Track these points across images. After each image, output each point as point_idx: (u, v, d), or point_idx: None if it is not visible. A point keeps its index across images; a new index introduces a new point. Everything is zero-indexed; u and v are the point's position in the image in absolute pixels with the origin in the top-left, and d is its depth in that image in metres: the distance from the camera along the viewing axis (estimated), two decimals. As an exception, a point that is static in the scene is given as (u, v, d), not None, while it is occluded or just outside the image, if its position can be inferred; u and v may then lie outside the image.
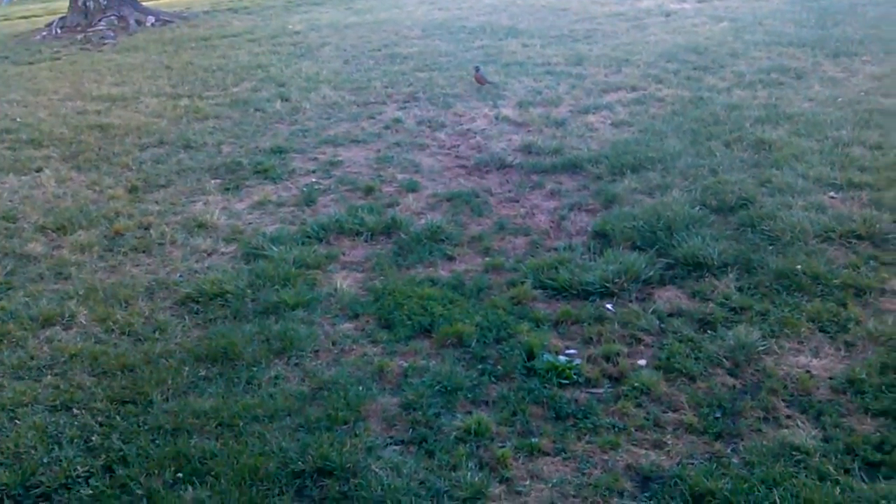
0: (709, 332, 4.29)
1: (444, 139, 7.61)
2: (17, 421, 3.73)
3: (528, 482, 3.26)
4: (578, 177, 6.50)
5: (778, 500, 3.10)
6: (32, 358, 4.25)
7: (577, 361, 4.06)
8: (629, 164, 6.50)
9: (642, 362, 4.07)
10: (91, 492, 3.27)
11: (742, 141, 6.92)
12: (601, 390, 3.87)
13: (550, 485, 3.24)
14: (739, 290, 4.65)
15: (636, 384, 3.86)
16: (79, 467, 3.40)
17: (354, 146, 7.50)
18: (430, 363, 4.09)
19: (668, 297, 4.64)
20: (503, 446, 3.47)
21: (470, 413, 3.69)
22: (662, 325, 4.37)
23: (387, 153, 7.23)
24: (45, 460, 3.46)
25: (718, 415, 3.67)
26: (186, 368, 4.07)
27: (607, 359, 4.09)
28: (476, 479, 3.25)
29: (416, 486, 3.20)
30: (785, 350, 4.13)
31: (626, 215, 5.57)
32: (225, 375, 4.01)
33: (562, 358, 4.06)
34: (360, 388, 3.87)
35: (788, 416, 3.66)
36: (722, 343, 4.16)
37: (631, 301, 4.60)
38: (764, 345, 4.15)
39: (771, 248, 5.06)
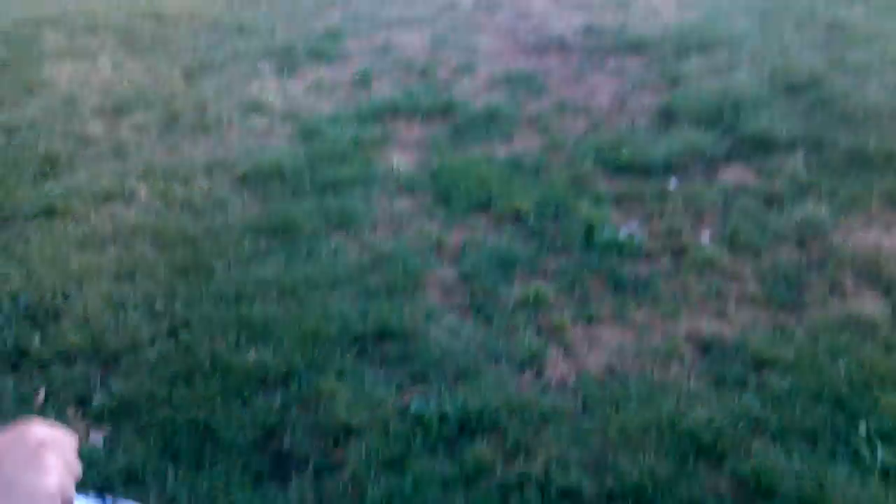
0: (775, 208, 4.17)
1: (501, 21, 7.40)
2: (83, 289, 3.81)
3: (586, 347, 3.25)
4: (642, 57, 6.28)
5: (842, 369, 3.05)
6: (96, 231, 4.32)
7: (639, 236, 3.99)
8: (695, 45, 6.25)
9: (705, 237, 3.99)
10: (157, 354, 3.34)
11: (815, 21, 6.60)
12: (663, 263, 3.81)
13: (608, 350, 3.23)
14: (808, 167, 4.50)
15: (699, 258, 3.79)
16: (144, 331, 3.47)
17: (409, 29, 7.33)
18: (488, 237, 4.06)
19: (734, 174, 4.51)
20: (561, 314, 3.45)
21: (528, 283, 3.67)
22: (727, 202, 4.26)
23: (442, 36, 7.06)
24: (111, 325, 3.53)
25: (783, 287, 3.60)
26: (247, 241, 4.10)
27: (669, 234, 4.01)
28: (534, 343, 3.24)
29: (474, 349, 3.21)
30: (854, 227, 4.00)
31: (691, 94, 5.40)
32: (285, 247, 4.03)
33: (622, 232, 4.00)
34: (419, 259, 3.87)
35: (856, 290, 3.56)
36: (788, 219, 4.05)
37: (695, 178, 4.48)
38: (832, 221, 4.02)
39: (842, 126, 4.86)
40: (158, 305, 3.64)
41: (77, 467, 1.13)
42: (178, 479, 2.62)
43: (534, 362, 3.14)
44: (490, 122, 5.30)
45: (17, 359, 3.30)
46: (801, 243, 3.89)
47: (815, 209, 4.09)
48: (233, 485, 2.58)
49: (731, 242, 3.90)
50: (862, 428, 2.73)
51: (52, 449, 1.09)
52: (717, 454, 2.64)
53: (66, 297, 3.73)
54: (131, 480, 2.65)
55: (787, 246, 3.88)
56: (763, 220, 4.07)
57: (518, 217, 4.22)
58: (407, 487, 2.51)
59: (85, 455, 2.58)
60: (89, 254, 4.10)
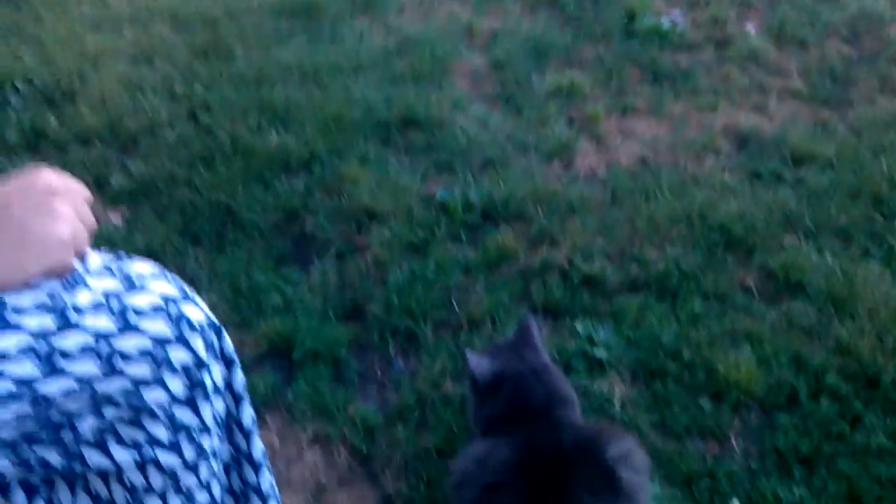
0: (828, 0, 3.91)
1: None
2: (100, 71, 3.69)
3: (618, 139, 3.13)
4: None
5: (884, 167, 2.92)
6: (111, 12, 4.15)
7: (681, 25, 3.76)
8: None
9: (751, 28, 3.75)
10: (176, 136, 3.25)
11: None
12: (705, 54, 3.61)
13: (642, 142, 3.10)
14: (869, -44, 4.17)
15: (742, 50, 3.59)
16: (163, 114, 3.37)
17: None
18: (521, 23, 3.85)
19: (787, -39, 4.20)
20: (595, 105, 3.30)
21: (562, 73, 3.50)
22: (777, -9, 3.99)
23: None
24: (129, 107, 3.43)
25: (829, 82, 3.40)
26: (268, 23, 3.93)
27: (714, 23, 3.78)
28: (564, 134, 3.12)
29: (502, 139, 3.10)
30: (912, 19, 3.75)
31: None
32: (307, 30, 3.86)
33: (665, 20, 3.76)
34: (447, 45, 3.69)
35: (907, 88, 3.37)
36: (842, 12, 3.79)
37: (744, -36, 4.18)
38: (891, 14, 3.76)
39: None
40: (177, 88, 3.53)
41: (90, 219, 1.06)
42: (198, 260, 2.60)
43: (563, 153, 3.03)
44: None
45: (35, 140, 3.24)
46: (852, 37, 3.66)
47: (872, 0, 3.81)
48: (254, 266, 2.56)
49: (778, 34, 3.68)
50: (899, 226, 2.64)
51: (63, 196, 1.02)
52: (747, 247, 2.57)
53: (82, 79, 3.62)
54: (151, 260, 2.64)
55: (836, 40, 3.65)
56: (814, 11, 3.82)
57: (554, 1, 3.98)
58: (429, 271, 2.48)
59: (104, 235, 2.55)
60: (105, 35, 3.95)
